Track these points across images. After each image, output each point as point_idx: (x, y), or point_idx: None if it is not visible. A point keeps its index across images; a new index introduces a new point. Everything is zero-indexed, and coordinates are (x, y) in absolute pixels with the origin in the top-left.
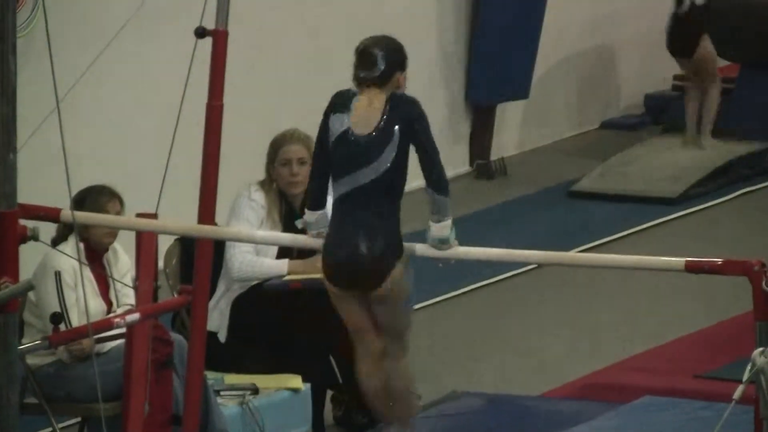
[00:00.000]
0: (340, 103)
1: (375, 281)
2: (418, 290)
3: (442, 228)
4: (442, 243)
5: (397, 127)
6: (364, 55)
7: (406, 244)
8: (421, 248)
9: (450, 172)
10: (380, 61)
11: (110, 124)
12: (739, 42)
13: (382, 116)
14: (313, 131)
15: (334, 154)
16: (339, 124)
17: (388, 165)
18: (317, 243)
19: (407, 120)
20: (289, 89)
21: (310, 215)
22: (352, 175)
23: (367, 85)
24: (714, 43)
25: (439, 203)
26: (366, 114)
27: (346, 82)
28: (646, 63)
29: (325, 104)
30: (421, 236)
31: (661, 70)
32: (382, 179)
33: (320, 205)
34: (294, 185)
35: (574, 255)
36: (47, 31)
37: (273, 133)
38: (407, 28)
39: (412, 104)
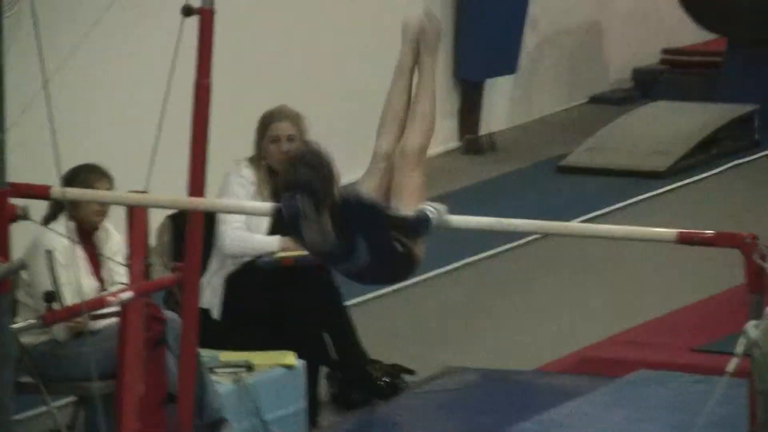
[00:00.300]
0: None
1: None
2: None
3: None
4: (436, 214)
5: (355, 239)
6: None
7: None
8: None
9: (439, 148)
10: (307, 206)
11: (99, 103)
12: (725, 17)
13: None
14: (301, 108)
15: None
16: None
17: (363, 260)
18: None
19: (359, 227)
20: (277, 67)
21: None
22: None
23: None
24: (700, 18)
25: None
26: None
27: (333, 57)
28: (635, 37)
29: (313, 79)
30: None
31: (650, 44)
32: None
33: None
34: (281, 162)
35: (566, 225)
36: (34, 9)
37: (262, 110)
38: (394, 3)
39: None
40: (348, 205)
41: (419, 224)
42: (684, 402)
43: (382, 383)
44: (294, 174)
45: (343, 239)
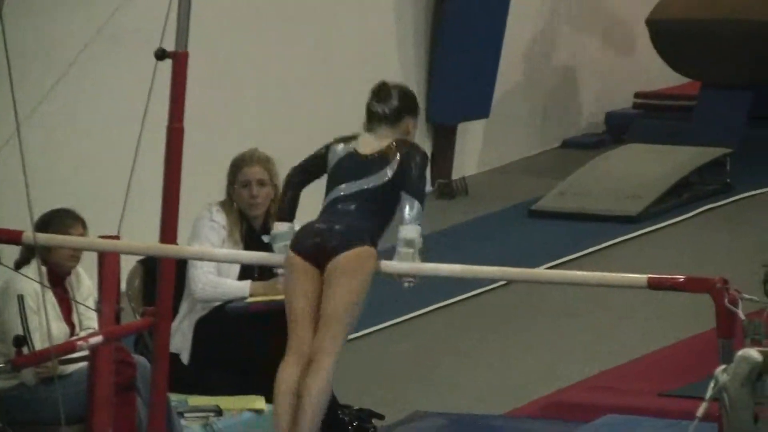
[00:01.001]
0: (347, 138)
1: (341, 247)
2: (383, 310)
3: (412, 229)
4: (409, 245)
5: (398, 156)
6: (380, 90)
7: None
8: (385, 264)
9: None
10: (395, 97)
11: (73, 147)
12: (699, 61)
13: (388, 146)
14: (273, 152)
15: (335, 169)
16: (343, 149)
17: (386, 179)
18: (279, 260)
19: (408, 157)
20: (249, 111)
21: (278, 226)
22: (349, 183)
23: (378, 122)
24: (674, 62)
25: (412, 207)
26: (372, 143)
27: (304, 103)
28: (608, 80)
29: (284, 124)
30: (389, 253)
31: (623, 88)
32: (375, 192)
33: (290, 217)
34: (254, 206)
35: (535, 271)
36: (6, 51)
37: (234, 154)
38: (367, 47)
39: (417, 148)
40: (412, 143)
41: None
42: None
43: (350, 428)
44: (391, 87)
45: (384, 153)
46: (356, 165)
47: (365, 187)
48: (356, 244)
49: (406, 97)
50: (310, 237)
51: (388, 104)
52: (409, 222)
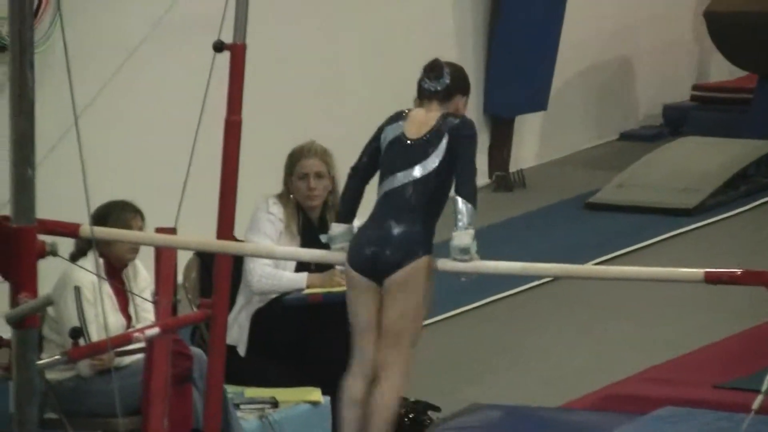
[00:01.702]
0: (396, 115)
1: (397, 264)
2: (440, 302)
3: (465, 235)
4: (464, 253)
5: (446, 137)
6: (432, 67)
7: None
8: (443, 262)
9: None
10: (446, 75)
11: (130, 139)
12: (756, 53)
13: (435, 126)
14: (330, 145)
15: (384, 156)
16: (392, 131)
17: (434, 167)
18: (336, 258)
19: (456, 135)
20: (307, 103)
21: (335, 228)
22: (399, 173)
23: (429, 99)
24: (731, 54)
25: (464, 211)
26: (420, 121)
27: (361, 95)
28: (665, 74)
29: (341, 116)
30: (444, 248)
31: (680, 81)
32: (426, 179)
33: (348, 218)
34: (311, 198)
35: (592, 268)
36: (65, 45)
37: (291, 146)
38: (425, 40)
39: (465, 123)
40: (465, 120)
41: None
42: None
43: (407, 420)
44: (445, 65)
45: (433, 138)
46: (405, 150)
47: (416, 176)
48: (412, 258)
49: (458, 75)
50: (365, 247)
51: (439, 81)
52: (462, 228)
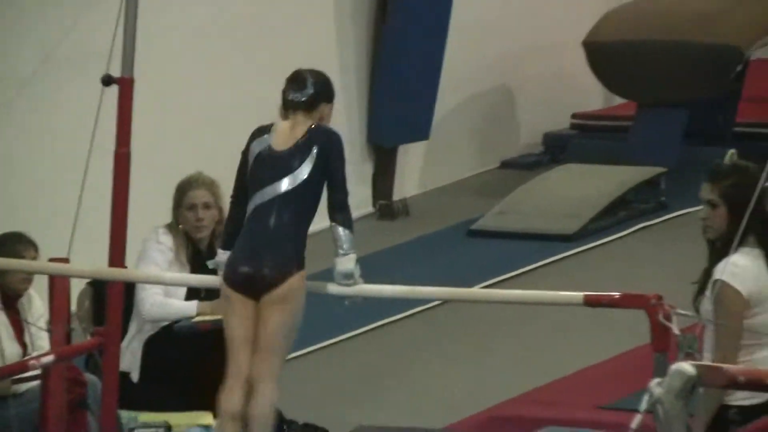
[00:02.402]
0: (262, 129)
1: (273, 283)
2: (326, 327)
3: (347, 261)
4: (347, 278)
5: (315, 148)
6: (295, 78)
7: (314, 282)
8: (331, 287)
9: (353, 213)
10: (310, 85)
11: (22, 171)
12: (634, 79)
13: (303, 135)
14: (219, 175)
15: (252, 170)
16: (259, 145)
17: (305, 177)
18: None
19: (326, 148)
20: (194, 135)
21: (222, 255)
22: (268, 186)
23: (294, 110)
24: (610, 83)
25: (343, 238)
26: (287, 133)
27: (248, 125)
28: (545, 101)
29: (229, 147)
30: (328, 274)
31: (560, 110)
32: (296, 191)
33: (233, 245)
34: (199, 229)
35: (476, 291)
36: None
37: (180, 177)
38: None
39: (333, 135)
40: (328, 129)
41: (344, 210)
42: None
43: None
44: (306, 73)
45: (301, 148)
46: (273, 163)
47: (284, 189)
48: (286, 277)
49: (322, 82)
50: (241, 265)
51: (303, 92)
52: (343, 254)
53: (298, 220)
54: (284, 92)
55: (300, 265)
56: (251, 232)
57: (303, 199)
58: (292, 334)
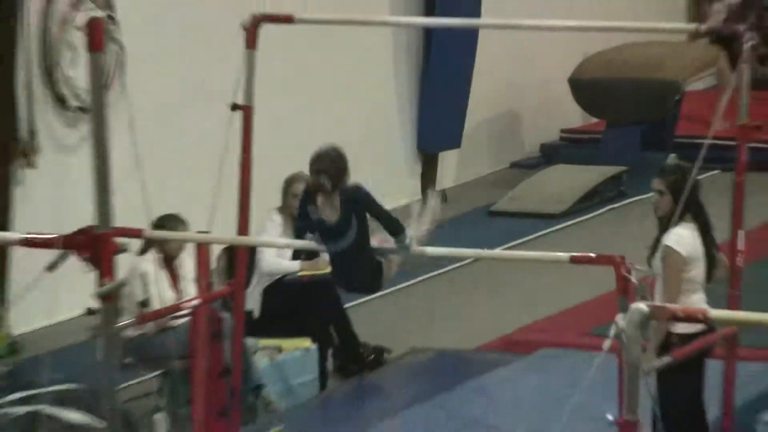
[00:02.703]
0: (308, 199)
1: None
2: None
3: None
4: (405, 247)
5: (352, 217)
6: (313, 178)
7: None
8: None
9: (408, 200)
10: (328, 183)
11: (175, 169)
12: (605, 105)
13: (342, 212)
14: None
15: (317, 230)
16: (313, 212)
17: (353, 238)
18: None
19: (358, 209)
20: (294, 147)
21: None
22: (331, 243)
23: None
24: (587, 108)
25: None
26: (330, 209)
27: (330, 126)
28: (541, 121)
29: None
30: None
31: (553, 126)
32: (352, 248)
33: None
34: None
35: (495, 252)
36: (130, 112)
37: (285, 175)
38: (369, 96)
39: (359, 193)
40: (352, 191)
41: (395, 227)
42: (575, 369)
43: (369, 359)
44: (320, 162)
45: (343, 216)
46: (326, 230)
47: (341, 247)
48: (373, 288)
49: (339, 166)
50: (340, 280)
51: (329, 182)
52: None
53: (364, 257)
54: (312, 182)
55: (380, 281)
56: (336, 264)
57: (358, 248)
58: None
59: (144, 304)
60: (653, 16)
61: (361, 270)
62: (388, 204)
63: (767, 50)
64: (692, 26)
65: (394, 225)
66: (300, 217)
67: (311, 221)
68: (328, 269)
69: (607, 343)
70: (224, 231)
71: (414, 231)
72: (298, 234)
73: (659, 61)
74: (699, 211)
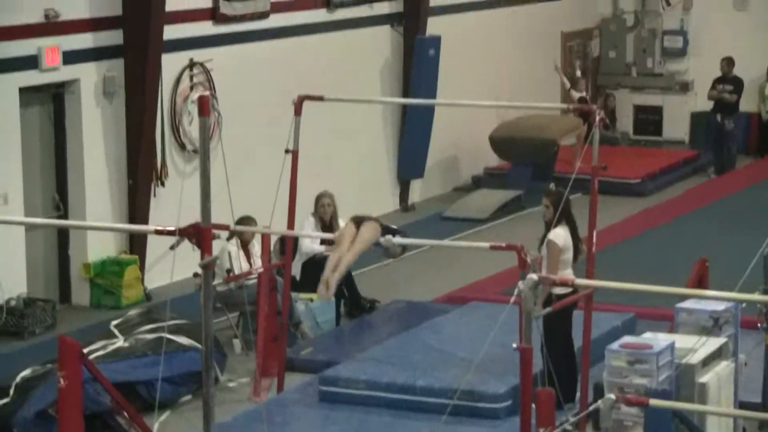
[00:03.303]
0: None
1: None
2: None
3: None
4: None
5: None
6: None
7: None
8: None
9: (391, 208)
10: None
11: (253, 189)
12: (511, 152)
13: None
14: (332, 189)
15: None
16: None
17: None
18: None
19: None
20: (318, 176)
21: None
22: None
23: None
24: (500, 153)
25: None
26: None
27: (344, 162)
28: (473, 160)
29: (335, 183)
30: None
31: (479, 164)
32: None
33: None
34: (325, 214)
35: (443, 242)
36: (222, 153)
37: (317, 191)
38: (368, 140)
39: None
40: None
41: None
42: (493, 315)
43: (367, 307)
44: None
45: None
46: None
47: None
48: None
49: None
50: (354, 218)
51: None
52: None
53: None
54: None
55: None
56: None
57: None
58: (369, 241)
59: (229, 271)
60: (542, 100)
61: None
62: (379, 211)
63: (609, 122)
64: (564, 106)
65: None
66: None
67: None
68: None
69: (512, 299)
70: (279, 226)
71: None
72: (324, 229)
73: (545, 126)
74: (570, 218)
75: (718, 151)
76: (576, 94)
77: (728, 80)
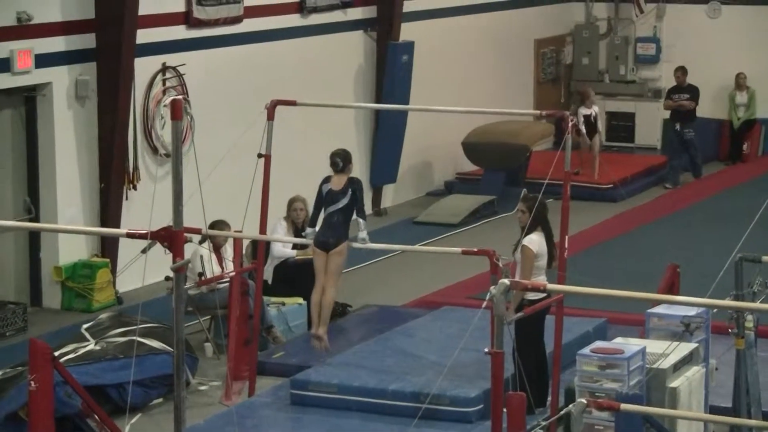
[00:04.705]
0: (326, 178)
1: (335, 245)
2: (352, 263)
3: (363, 234)
4: (363, 241)
5: (350, 189)
6: (335, 156)
7: (350, 242)
8: (355, 244)
9: (366, 211)
10: (341, 160)
11: (226, 193)
12: (483, 158)
13: (345, 183)
14: (305, 193)
15: (325, 198)
16: (326, 186)
17: (346, 202)
18: (309, 242)
19: (355, 188)
20: (295, 179)
21: (309, 231)
22: (331, 205)
23: (337, 172)
24: (473, 159)
25: (362, 224)
26: (337, 182)
27: (316, 166)
28: (445, 166)
29: (306, 187)
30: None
31: (452, 169)
32: (343, 209)
33: (313, 226)
34: (298, 218)
35: (415, 247)
36: (195, 157)
37: (289, 195)
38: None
39: (358, 182)
40: (355, 177)
41: (362, 213)
42: (464, 319)
43: (338, 311)
44: (337, 153)
45: (344, 187)
46: (332, 196)
47: (338, 207)
48: (339, 243)
49: (347, 156)
50: (321, 237)
51: (338, 167)
52: (361, 230)
53: (345, 219)
54: (331, 164)
55: (346, 238)
56: (325, 224)
57: (346, 210)
58: (341, 268)
59: (201, 275)
60: (516, 106)
61: (340, 227)
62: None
63: (583, 128)
64: (537, 112)
65: (362, 211)
66: (317, 196)
67: (323, 190)
68: (311, 256)
69: (484, 304)
70: (251, 230)
71: (364, 237)
72: (296, 233)
73: (517, 132)
74: (545, 224)
75: (679, 160)
76: (585, 111)
77: (684, 89)
